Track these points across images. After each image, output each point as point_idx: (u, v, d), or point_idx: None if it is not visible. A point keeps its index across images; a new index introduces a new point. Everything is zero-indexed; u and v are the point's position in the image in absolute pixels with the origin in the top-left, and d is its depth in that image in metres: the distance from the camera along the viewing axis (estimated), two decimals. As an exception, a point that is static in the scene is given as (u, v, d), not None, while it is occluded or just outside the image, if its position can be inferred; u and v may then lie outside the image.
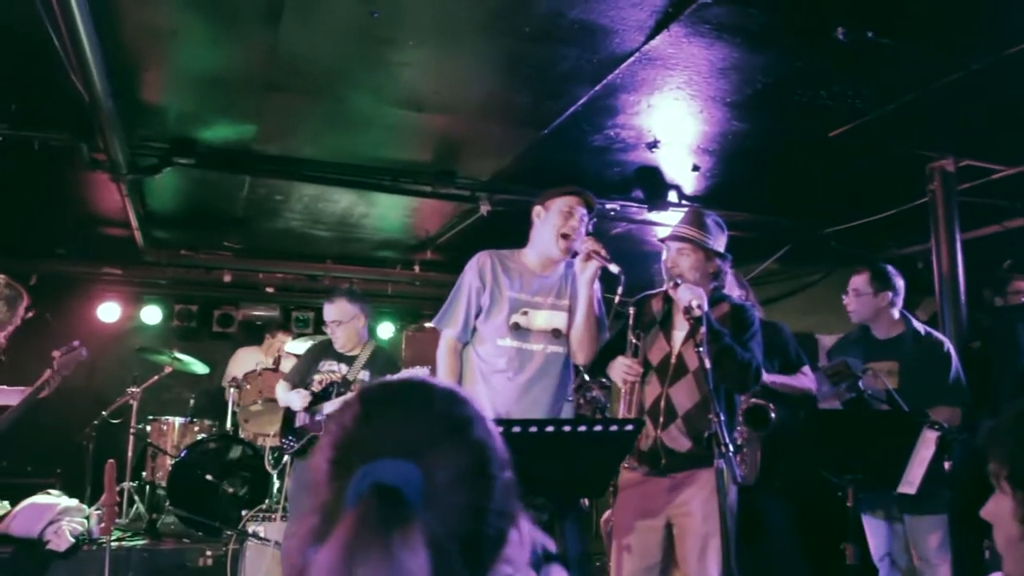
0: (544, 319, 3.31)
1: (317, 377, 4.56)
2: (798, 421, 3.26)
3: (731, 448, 2.62)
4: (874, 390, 3.58)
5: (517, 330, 3.27)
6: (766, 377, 3.92)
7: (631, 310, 3.26)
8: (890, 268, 3.96)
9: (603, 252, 3.18)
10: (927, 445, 2.93)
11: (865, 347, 3.91)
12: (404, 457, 0.87)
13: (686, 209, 3.61)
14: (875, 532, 3.85)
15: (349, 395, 1.05)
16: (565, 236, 3.27)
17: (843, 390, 3.61)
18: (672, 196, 5.33)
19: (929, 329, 3.93)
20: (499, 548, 0.91)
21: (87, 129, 4.16)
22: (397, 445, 0.89)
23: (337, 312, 4.56)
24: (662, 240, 3.34)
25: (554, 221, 3.30)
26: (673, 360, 3.18)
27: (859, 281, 3.94)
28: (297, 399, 4.44)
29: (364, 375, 4.49)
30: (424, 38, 3.36)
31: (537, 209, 3.43)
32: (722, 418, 2.67)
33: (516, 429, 2.27)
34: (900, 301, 3.91)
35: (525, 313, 3.29)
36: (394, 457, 0.87)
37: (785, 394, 3.91)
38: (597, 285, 3.33)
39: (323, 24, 3.24)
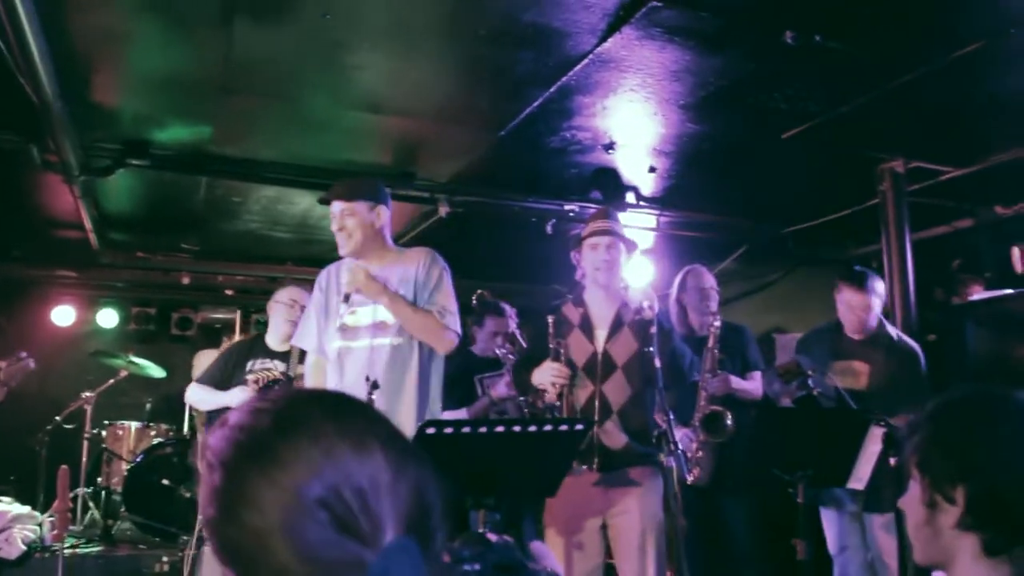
0: (369, 314, 3.23)
1: (251, 376, 4.22)
2: (748, 420, 3.30)
3: (679, 446, 2.65)
4: (824, 388, 3.64)
5: (345, 331, 3.21)
6: (733, 383, 3.94)
7: (550, 319, 3.24)
8: (870, 272, 3.95)
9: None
10: (874, 441, 2.99)
11: (834, 343, 3.92)
12: (394, 525, 0.83)
13: (597, 210, 3.62)
14: (832, 524, 3.92)
15: (257, 408, 0.89)
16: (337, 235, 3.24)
17: (794, 388, 3.67)
18: (630, 197, 5.37)
19: (902, 335, 3.97)
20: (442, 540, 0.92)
21: (38, 131, 4.09)
22: (384, 508, 0.84)
23: (298, 294, 4.37)
24: (582, 239, 3.33)
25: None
26: (600, 358, 3.21)
27: (848, 292, 3.85)
28: (240, 395, 4.06)
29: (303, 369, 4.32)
30: (378, 41, 3.36)
31: None
32: (671, 416, 2.70)
33: (466, 429, 2.28)
34: (879, 305, 3.92)
35: (353, 312, 3.22)
36: (385, 528, 0.83)
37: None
38: (398, 282, 3.23)
39: (275, 26, 3.23)
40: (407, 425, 2.85)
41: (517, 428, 2.42)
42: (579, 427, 2.53)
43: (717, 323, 3.85)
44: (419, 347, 3.19)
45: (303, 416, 0.87)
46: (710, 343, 3.82)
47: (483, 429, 2.35)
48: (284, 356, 4.27)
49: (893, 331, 3.95)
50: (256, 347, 4.38)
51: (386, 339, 3.18)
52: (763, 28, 3.17)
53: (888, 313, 4.53)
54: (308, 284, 7.01)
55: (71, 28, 3.27)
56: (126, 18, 3.23)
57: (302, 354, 4.19)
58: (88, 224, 5.69)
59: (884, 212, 4.64)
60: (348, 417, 0.89)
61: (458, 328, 3.24)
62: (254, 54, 3.48)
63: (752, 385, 4.12)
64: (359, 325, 3.22)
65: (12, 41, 3.02)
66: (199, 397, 4.33)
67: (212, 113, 4.15)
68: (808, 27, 3.14)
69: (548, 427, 2.45)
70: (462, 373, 4.42)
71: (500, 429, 2.42)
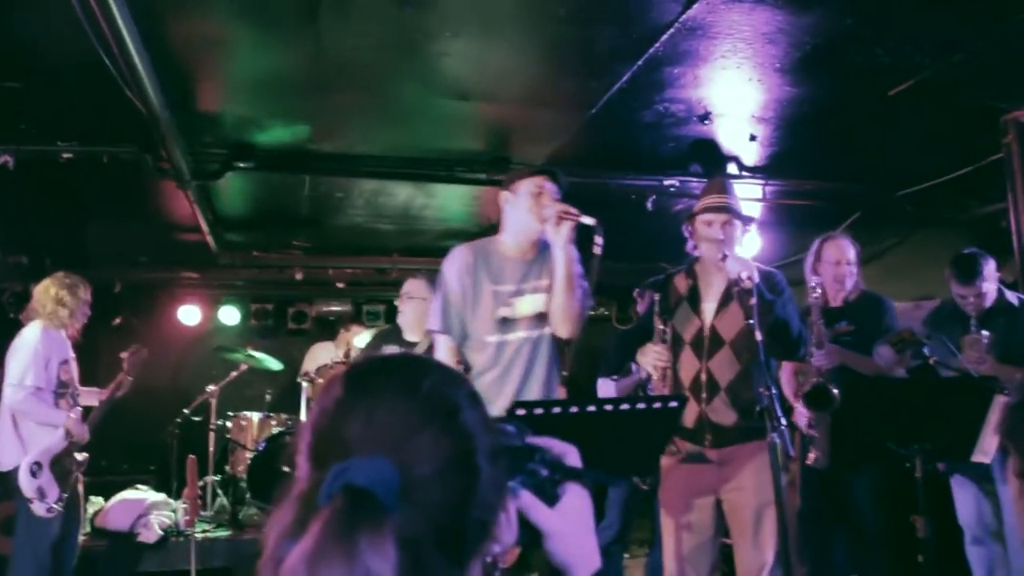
0: (528, 305, 3.10)
1: None
2: (860, 392, 3.14)
3: (784, 422, 2.56)
4: (942, 357, 3.44)
5: (504, 323, 3.07)
6: (837, 355, 3.72)
7: (655, 296, 3.17)
8: (979, 257, 3.76)
9: (572, 210, 2.96)
10: (1000, 412, 2.80)
11: (963, 320, 3.74)
12: (381, 451, 0.83)
13: (713, 180, 3.48)
14: (963, 498, 3.75)
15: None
16: (541, 216, 3.02)
17: (908, 357, 3.47)
18: (732, 168, 5.22)
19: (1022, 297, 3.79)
20: (483, 537, 0.88)
21: (150, 140, 4.32)
22: (375, 435, 0.85)
23: (411, 287, 4.58)
24: (693, 214, 3.24)
25: (526, 203, 3.06)
26: (707, 333, 3.12)
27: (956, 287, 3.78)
28: None
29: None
30: (460, 28, 3.37)
31: (504, 195, 3.19)
32: (773, 391, 2.61)
33: (556, 410, 2.27)
34: (993, 286, 3.74)
35: (509, 304, 3.09)
36: (371, 451, 0.83)
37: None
38: (573, 249, 3.06)
39: (359, 21, 3.29)
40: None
41: (609, 407, 2.39)
42: (673, 404, 2.47)
43: (817, 292, 3.63)
44: (551, 334, 3.12)
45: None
46: (813, 315, 3.63)
47: (574, 409, 2.32)
48: (411, 347, 4.45)
49: (1014, 297, 3.73)
50: (392, 335, 4.63)
51: (542, 330, 3.10)
52: (858, -21, 3.00)
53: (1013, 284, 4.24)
54: (414, 272, 7.21)
55: (171, 40, 3.42)
56: (220, 25, 3.36)
57: (426, 352, 4.33)
58: (205, 227, 5.97)
59: (1009, 167, 4.32)
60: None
61: None
62: (342, 50, 3.56)
63: (878, 359, 3.85)
64: (517, 316, 3.10)
65: (118, 57, 3.19)
66: None
67: (308, 112, 4.29)
68: (908, -28, 2.96)
69: (641, 405, 2.41)
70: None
71: (592, 409, 2.39)
